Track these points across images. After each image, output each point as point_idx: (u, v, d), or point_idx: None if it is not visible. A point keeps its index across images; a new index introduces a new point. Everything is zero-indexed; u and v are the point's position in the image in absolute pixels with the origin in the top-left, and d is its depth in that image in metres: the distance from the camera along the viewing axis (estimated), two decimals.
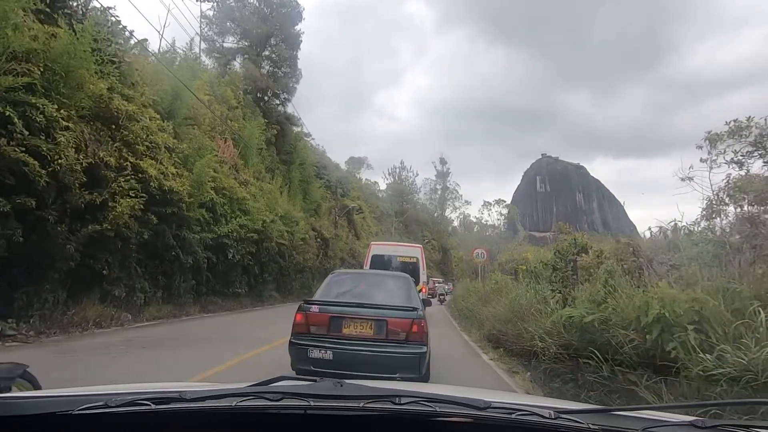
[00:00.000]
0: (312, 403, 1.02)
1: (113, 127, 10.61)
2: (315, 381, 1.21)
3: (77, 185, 8.54)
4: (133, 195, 9.91)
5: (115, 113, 10.73)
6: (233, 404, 1.01)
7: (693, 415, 1.25)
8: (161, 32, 20.77)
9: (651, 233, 9.41)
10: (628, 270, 6.26)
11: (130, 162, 10.48)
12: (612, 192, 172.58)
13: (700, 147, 8.77)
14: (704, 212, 8.57)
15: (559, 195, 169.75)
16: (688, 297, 3.78)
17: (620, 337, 4.27)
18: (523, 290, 8.73)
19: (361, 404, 1.02)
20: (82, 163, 8.68)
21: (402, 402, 1.03)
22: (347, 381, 1.22)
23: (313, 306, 4.87)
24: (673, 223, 8.50)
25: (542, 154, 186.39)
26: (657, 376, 3.67)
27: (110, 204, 9.42)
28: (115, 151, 10.21)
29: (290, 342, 4.84)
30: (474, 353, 9.22)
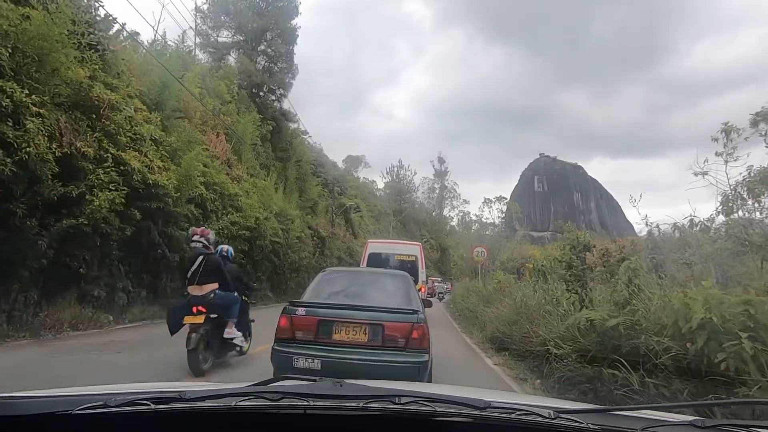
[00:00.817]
0: (312, 403, 1.01)
1: (93, 116, 9.98)
2: (315, 381, 1.20)
3: (50, 176, 7.91)
4: (113, 188, 9.28)
5: (96, 102, 10.11)
6: (233, 404, 1.01)
7: (692, 415, 1.23)
8: (155, 27, 20.08)
9: (659, 230, 8.82)
10: (648, 268, 5.69)
11: (111, 153, 9.84)
12: (609, 192, 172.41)
13: (715, 139, 8.21)
14: (722, 207, 8.01)
15: (557, 195, 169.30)
16: (739, 299, 3.20)
17: (653, 345, 3.68)
18: (531, 290, 8.16)
19: (361, 404, 1.02)
20: (55, 153, 8.04)
21: (402, 402, 1.03)
22: (347, 381, 1.19)
23: (300, 308, 4.27)
24: (688, 219, 7.95)
25: (540, 154, 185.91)
26: (705, 394, 3.09)
27: (87, 197, 8.79)
28: (95, 141, 9.57)
29: (273, 349, 4.25)
30: (477, 357, 8.64)
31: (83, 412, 0.98)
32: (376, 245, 14.06)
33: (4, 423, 0.98)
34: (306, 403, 1.01)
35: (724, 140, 8.03)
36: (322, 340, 4.16)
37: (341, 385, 1.12)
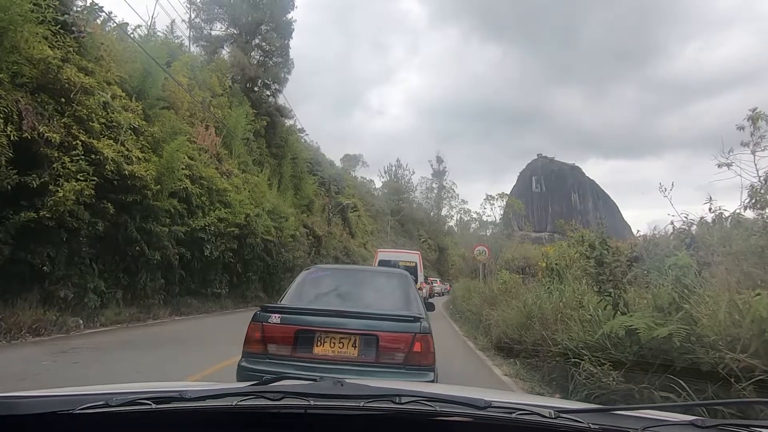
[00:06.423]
0: (312, 403, 1.02)
1: (62, 100, 9.10)
2: (316, 380, 1.21)
3: (3, 162, 7.03)
4: (82, 178, 8.40)
5: (66, 85, 9.22)
6: (233, 404, 1.01)
7: (693, 415, 1.21)
8: (149, 21, 19.12)
9: (674, 227, 8.08)
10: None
11: (82, 140, 8.95)
12: (607, 192, 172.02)
13: (741, 128, 7.50)
14: (751, 201, 7.27)
15: (555, 195, 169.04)
16: None
17: (728, 363, 2.84)
18: (544, 291, 7.33)
19: (362, 404, 1.02)
20: (10, 137, 7.16)
21: (402, 401, 1.03)
22: (347, 380, 1.19)
23: (273, 314, 3.41)
24: (717, 213, 7.21)
25: (538, 155, 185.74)
26: None
27: (51, 188, 7.91)
28: (62, 127, 8.69)
29: (239, 366, 3.39)
30: (484, 366, 7.79)
31: (84, 411, 0.98)
32: (384, 253, 17.31)
33: (4, 423, 0.97)
34: (307, 402, 1.01)
35: (751, 129, 7.30)
36: (300, 354, 3.31)
37: (342, 385, 1.12)
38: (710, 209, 6.14)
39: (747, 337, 2.81)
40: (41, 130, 8.01)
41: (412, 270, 13.38)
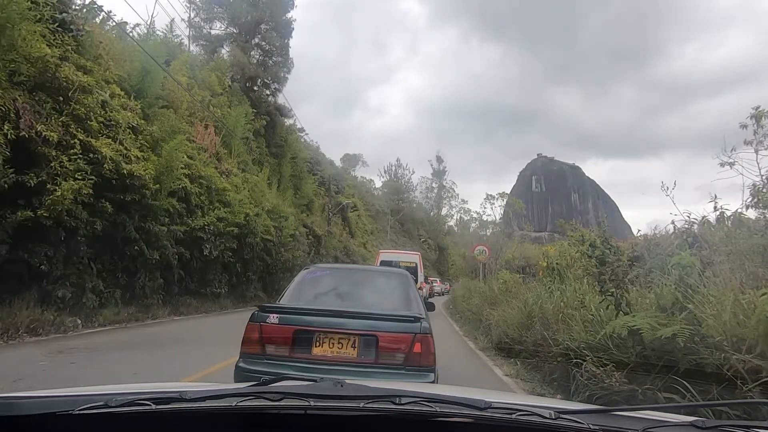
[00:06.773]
0: (312, 404, 1.02)
1: (60, 98, 9.05)
2: (315, 381, 1.21)
3: (1, 161, 6.97)
4: (80, 177, 8.34)
5: (65, 83, 9.17)
6: (233, 404, 1.02)
7: (693, 416, 1.20)
8: (148, 20, 19.05)
9: (675, 227, 8.04)
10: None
11: (80, 139, 8.90)
12: (607, 192, 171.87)
13: (744, 126, 7.45)
14: (753, 200, 7.22)
15: (555, 195, 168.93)
16: None
17: (734, 363, 2.79)
18: (545, 291, 7.28)
19: (362, 404, 1.03)
20: (7, 135, 7.11)
21: (402, 402, 1.03)
22: (347, 381, 1.18)
23: (271, 315, 3.36)
24: (719, 212, 7.15)
25: (538, 154, 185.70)
26: None
27: (49, 187, 7.86)
28: (60, 125, 8.63)
29: (237, 367, 3.34)
30: (484, 366, 7.75)
31: (84, 412, 0.98)
32: (385, 254, 18.51)
33: (4, 423, 0.97)
34: (306, 403, 1.01)
35: (755, 127, 7.25)
36: (298, 355, 3.26)
37: (342, 386, 1.11)
38: (715, 208, 6.09)
39: (752, 337, 2.77)
40: (39, 129, 7.95)
41: (413, 270, 13.94)
